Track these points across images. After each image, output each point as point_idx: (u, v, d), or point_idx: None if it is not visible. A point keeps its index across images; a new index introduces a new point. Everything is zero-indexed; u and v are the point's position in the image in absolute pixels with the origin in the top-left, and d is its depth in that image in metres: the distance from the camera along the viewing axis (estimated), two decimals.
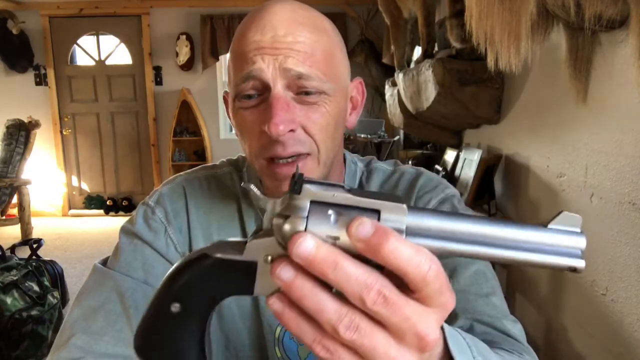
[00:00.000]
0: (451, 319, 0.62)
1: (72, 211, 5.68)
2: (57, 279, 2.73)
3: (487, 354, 0.46)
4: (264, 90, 0.59)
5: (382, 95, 4.06)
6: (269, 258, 0.32)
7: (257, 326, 0.71)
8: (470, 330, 0.60)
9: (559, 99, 1.84)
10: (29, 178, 4.44)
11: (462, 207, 0.73)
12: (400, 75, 3.09)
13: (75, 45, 5.47)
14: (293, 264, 0.30)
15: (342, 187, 0.32)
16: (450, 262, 0.65)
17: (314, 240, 0.30)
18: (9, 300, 2.25)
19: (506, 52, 1.51)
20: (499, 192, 2.50)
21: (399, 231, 0.31)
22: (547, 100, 1.97)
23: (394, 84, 3.41)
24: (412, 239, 0.31)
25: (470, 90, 2.40)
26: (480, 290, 0.64)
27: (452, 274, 0.64)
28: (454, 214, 0.33)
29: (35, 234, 4.38)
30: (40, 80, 5.41)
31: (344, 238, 0.30)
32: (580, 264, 0.32)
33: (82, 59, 5.61)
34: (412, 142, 4.24)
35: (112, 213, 5.61)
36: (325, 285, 0.30)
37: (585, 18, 1.31)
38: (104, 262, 0.71)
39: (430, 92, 2.55)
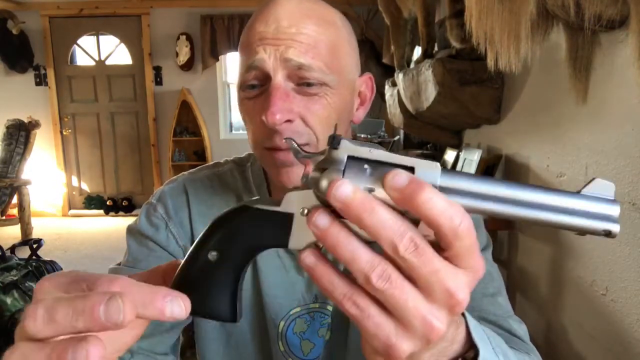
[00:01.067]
0: None
1: (72, 211, 5.68)
2: None
3: (504, 348, 0.46)
4: (266, 80, 0.60)
5: (382, 95, 4.05)
6: (306, 210, 0.33)
7: (259, 321, 0.72)
8: None
9: (559, 99, 1.84)
10: (29, 178, 4.44)
11: None
12: (400, 75, 3.09)
13: (75, 45, 5.47)
14: (329, 213, 0.31)
15: (379, 146, 0.33)
16: None
17: (351, 185, 0.30)
18: (9, 300, 2.25)
19: (506, 52, 1.51)
20: None
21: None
22: (547, 100, 1.97)
23: (394, 84, 3.41)
24: (445, 195, 0.31)
25: (470, 90, 2.40)
26: (486, 289, 0.64)
27: None
28: (486, 177, 0.33)
29: (35, 234, 4.38)
30: (40, 81, 5.41)
31: (379, 191, 0.31)
32: (615, 227, 0.32)
33: (82, 59, 5.61)
34: (412, 142, 4.24)
35: (112, 213, 5.61)
36: (360, 239, 0.31)
37: (585, 18, 1.31)
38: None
39: (430, 92, 2.55)
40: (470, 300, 0.61)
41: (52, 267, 2.75)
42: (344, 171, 0.32)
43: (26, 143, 4.34)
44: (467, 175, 0.33)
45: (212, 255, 0.34)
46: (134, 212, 5.57)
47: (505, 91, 2.43)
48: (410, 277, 0.30)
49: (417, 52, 3.23)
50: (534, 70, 2.06)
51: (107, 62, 5.53)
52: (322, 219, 0.31)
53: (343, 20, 0.66)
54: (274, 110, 0.57)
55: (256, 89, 0.61)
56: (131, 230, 0.73)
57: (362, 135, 4.64)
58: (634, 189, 1.41)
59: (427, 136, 3.36)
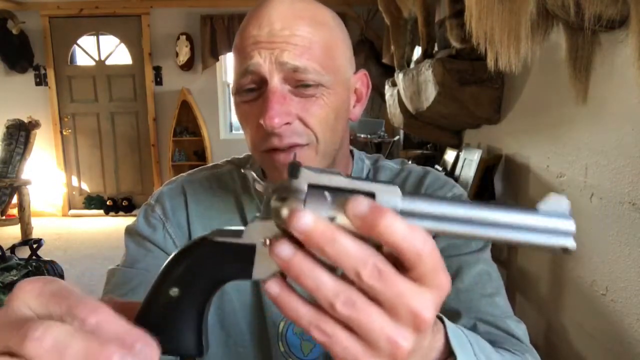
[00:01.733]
0: (454, 318, 0.62)
1: (72, 211, 5.68)
2: None
3: (489, 352, 0.46)
4: (262, 84, 0.60)
5: (382, 95, 4.05)
6: (268, 241, 0.33)
7: (259, 321, 0.72)
8: (473, 329, 0.60)
9: (559, 99, 1.84)
10: (29, 178, 4.44)
11: None
12: (400, 75, 3.09)
13: (75, 45, 5.47)
14: (291, 243, 0.31)
15: (339, 173, 0.33)
16: (455, 262, 0.65)
17: (312, 216, 0.30)
18: None
19: (506, 52, 1.51)
20: (499, 192, 2.50)
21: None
22: (547, 100, 1.97)
23: (394, 84, 3.41)
24: (406, 219, 0.32)
25: (470, 90, 2.40)
26: (484, 290, 0.64)
27: (456, 273, 0.64)
28: (446, 198, 0.34)
29: (35, 234, 4.38)
30: (40, 81, 5.41)
31: (340, 218, 0.31)
32: (571, 243, 0.33)
33: (82, 59, 5.61)
34: (412, 142, 4.24)
35: (112, 213, 5.61)
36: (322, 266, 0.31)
37: (585, 18, 1.31)
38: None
39: (430, 92, 2.55)
40: (468, 302, 0.62)
41: (52, 267, 2.75)
42: (305, 200, 0.32)
43: (26, 143, 4.34)
44: (428, 197, 0.33)
45: (174, 291, 0.34)
46: (134, 212, 5.57)
47: (505, 91, 2.43)
48: (375, 299, 0.31)
49: (417, 52, 3.23)
50: (534, 70, 2.06)
51: (107, 62, 5.54)
52: (284, 250, 0.31)
53: (335, 18, 0.66)
54: (272, 115, 0.57)
55: (253, 93, 0.61)
56: (129, 231, 0.73)
57: (362, 135, 4.64)
58: (634, 189, 1.41)
59: (427, 136, 3.36)
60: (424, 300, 0.31)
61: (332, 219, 0.32)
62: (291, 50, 0.58)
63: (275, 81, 0.59)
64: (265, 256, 0.33)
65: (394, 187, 0.32)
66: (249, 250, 0.33)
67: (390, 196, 0.32)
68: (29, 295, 0.30)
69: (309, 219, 0.30)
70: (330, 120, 0.62)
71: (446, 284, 0.32)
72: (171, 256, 0.35)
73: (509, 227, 0.33)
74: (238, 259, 0.34)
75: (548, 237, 0.33)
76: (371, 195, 0.32)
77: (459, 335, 0.42)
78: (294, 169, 0.32)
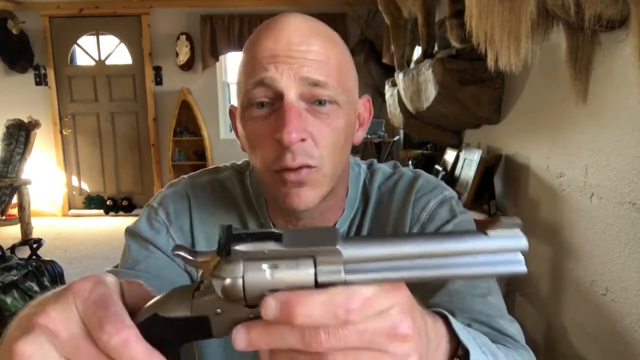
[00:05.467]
0: None
1: (72, 211, 5.68)
2: (57, 279, 2.73)
3: (491, 347, 0.47)
4: (276, 99, 0.59)
5: (382, 95, 4.05)
6: (218, 310, 0.33)
7: None
8: None
9: (559, 99, 1.84)
10: (29, 178, 4.44)
11: (460, 209, 0.73)
12: (400, 75, 3.09)
13: (75, 45, 5.47)
14: (245, 331, 0.32)
15: (274, 234, 0.32)
16: None
17: (245, 334, 0.32)
18: (9, 300, 2.25)
19: (506, 52, 1.51)
20: (499, 192, 2.50)
21: (337, 272, 0.31)
22: (547, 100, 1.97)
23: (394, 84, 3.41)
24: (351, 275, 0.32)
25: (470, 90, 2.40)
26: (476, 290, 0.64)
27: None
28: (390, 237, 0.33)
29: (35, 234, 4.38)
30: (40, 80, 5.41)
31: (283, 289, 0.32)
32: (522, 268, 0.33)
33: (82, 59, 5.61)
34: (412, 142, 4.24)
35: (112, 213, 5.61)
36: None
37: (585, 18, 1.31)
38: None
39: (430, 92, 2.55)
40: (461, 302, 0.62)
41: (52, 267, 2.75)
42: (243, 279, 0.32)
43: (26, 143, 4.34)
44: (370, 241, 0.33)
45: None
46: (134, 212, 5.58)
47: (505, 91, 2.43)
48: (353, 349, 0.31)
49: (417, 52, 3.23)
50: (534, 70, 2.06)
51: (107, 62, 5.53)
52: (241, 339, 0.32)
53: (343, 42, 0.67)
54: (290, 129, 0.55)
55: (264, 108, 0.59)
56: (130, 232, 0.73)
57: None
58: (634, 189, 1.41)
59: (427, 136, 3.36)
60: (390, 320, 0.32)
61: (274, 291, 0.32)
62: (310, 65, 0.58)
63: (292, 96, 0.58)
64: (220, 320, 0.34)
65: (334, 247, 0.31)
66: (203, 320, 0.34)
67: (330, 257, 0.31)
68: (78, 297, 0.33)
69: (243, 340, 0.31)
70: (340, 142, 0.62)
71: (400, 295, 0.33)
72: None
73: (456, 264, 0.32)
74: (194, 326, 0.34)
75: (500, 267, 0.33)
76: (312, 258, 0.32)
77: (462, 328, 0.43)
78: (225, 246, 0.32)
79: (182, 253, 0.34)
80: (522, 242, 0.33)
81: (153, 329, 0.34)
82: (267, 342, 0.31)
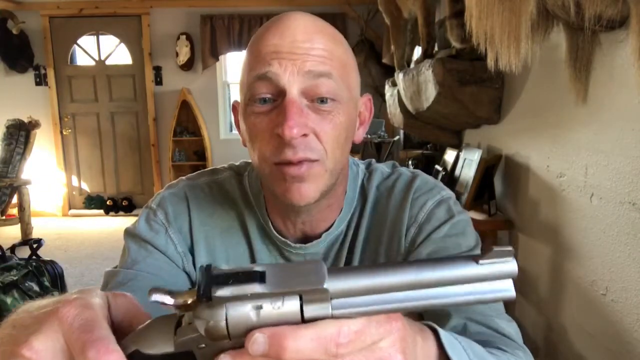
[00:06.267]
0: (445, 319, 0.62)
1: (72, 211, 5.68)
2: (57, 279, 2.73)
3: (484, 356, 0.46)
4: (278, 95, 0.59)
5: (382, 95, 4.05)
6: (202, 346, 0.33)
7: None
8: (464, 329, 0.61)
9: (559, 99, 1.84)
10: (29, 178, 4.44)
11: (458, 209, 0.73)
12: (400, 75, 3.09)
13: (75, 45, 5.47)
14: (229, 358, 0.31)
15: (256, 274, 0.31)
16: None
17: None
18: (9, 300, 2.25)
19: (506, 52, 1.51)
20: (499, 192, 2.50)
21: (324, 308, 0.31)
22: (547, 100, 1.97)
23: (394, 84, 3.41)
24: (338, 310, 0.31)
25: (470, 90, 2.40)
26: None
27: None
28: (378, 267, 0.33)
29: (35, 234, 4.38)
30: (40, 80, 5.41)
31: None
32: (511, 294, 0.33)
33: (82, 59, 5.61)
34: (412, 142, 4.24)
35: (112, 213, 5.61)
36: None
37: (585, 18, 1.31)
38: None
39: (430, 92, 2.55)
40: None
41: (52, 267, 2.75)
42: (226, 323, 0.30)
43: (26, 143, 4.34)
44: (356, 271, 0.32)
45: None
46: (134, 212, 5.58)
47: (505, 91, 2.43)
48: None
49: (417, 52, 3.23)
50: (534, 70, 2.06)
51: (107, 62, 5.54)
52: None
53: (347, 43, 0.68)
54: (291, 124, 0.56)
55: (266, 104, 0.60)
56: (130, 233, 0.73)
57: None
58: (634, 189, 1.41)
59: (427, 136, 3.36)
60: (379, 353, 0.32)
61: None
62: (312, 60, 0.59)
63: (294, 92, 0.58)
64: (204, 352, 0.33)
65: (320, 284, 0.31)
66: (186, 354, 0.33)
67: (317, 295, 0.31)
68: (63, 323, 0.32)
69: None
70: (341, 139, 0.63)
71: (392, 327, 0.32)
72: None
73: (444, 295, 0.32)
74: (178, 359, 0.33)
75: (489, 294, 0.33)
76: (299, 297, 0.31)
77: (452, 342, 0.43)
78: (205, 291, 0.31)
79: (159, 296, 0.32)
80: (513, 268, 0.32)
81: None
82: None
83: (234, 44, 5.22)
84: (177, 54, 5.30)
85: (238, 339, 0.31)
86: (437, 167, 3.06)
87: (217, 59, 5.28)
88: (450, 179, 2.76)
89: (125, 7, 5.27)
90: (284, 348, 0.29)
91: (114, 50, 5.52)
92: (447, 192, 0.74)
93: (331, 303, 0.31)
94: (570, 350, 1.81)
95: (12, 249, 2.75)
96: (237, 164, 0.81)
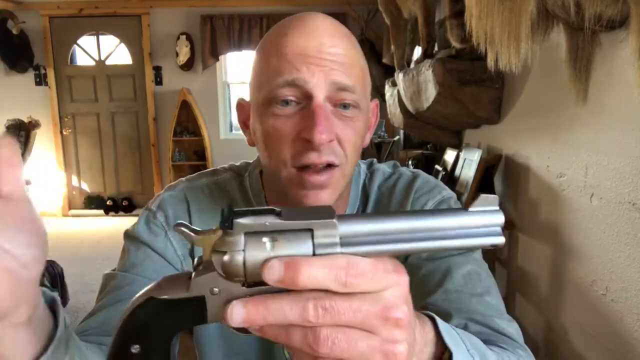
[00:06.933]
0: (445, 319, 0.62)
1: (72, 211, 5.68)
2: (57, 279, 2.73)
3: (482, 349, 0.47)
4: (303, 99, 0.59)
5: (382, 95, 4.05)
6: (215, 290, 0.34)
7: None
8: (464, 329, 0.60)
9: (559, 99, 1.84)
10: (29, 178, 4.44)
11: None
12: (400, 75, 3.09)
13: (75, 45, 5.47)
14: (241, 305, 0.32)
15: (273, 211, 0.33)
16: (444, 263, 0.65)
17: (242, 307, 0.32)
18: None
19: (506, 52, 1.51)
20: (499, 192, 2.50)
21: (333, 244, 0.33)
22: (547, 100, 1.97)
23: (394, 84, 3.41)
24: (346, 248, 0.33)
25: (470, 90, 2.40)
26: (474, 289, 0.64)
27: (445, 274, 0.65)
28: (382, 215, 0.35)
29: None
30: (40, 80, 5.41)
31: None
32: (500, 240, 0.36)
33: (82, 59, 5.61)
34: (412, 142, 4.24)
35: (112, 213, 5.61)
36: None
37: (585, 18, 1.31)
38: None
39: (430, 92, 2.55)
40: (459, 302, 0.62)
41: (52, 266, 2.75)
42: (244, 251, 0.32)
43: (26, 143, 4.35)
44: (363, 218, 0.35)
45: (135, 348, 0.35)
46: (134, 212, 5.58)
47: (505, 91, 2.43)
48: (342, 326, 0.32)
49: (417, 52, 3.23)
50: (534, 70, 2.06)
51: (107, 62, 5.53)
52: (237, 313, 0.32)
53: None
54: (321, 130, 0.56)
55: (289, 106, 0.60)
56: (129, 235, 0.72)
57: None
58: (634, 189, 1.41)
59: (427, 136, 3.36)
60: (385, 303, 0.32)
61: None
62: (339, 68, 0.59)
63: (322, 98, 0.59)
64: (216, 303, 0.34)
65: (331, 220, 0.33)
66: (200, 301, 0.34)
67: (327, 229, 0.33)
68: None
69: (240, 312, 0.32)
70: (358, 144, 0.64)
71: (399, 279, 0.34)
72: (123, 313, 0.36)
73: (441, 236, 0.35)
74: (189, 309, 0.35)
75: (479, 239, 0.36)
76: (309, 230, 0.33)
77: (450, 331, 0.43)
78: (227, 219, 0.33)
79: (183, 229, 0.34)
80: (499, 216, 0.36)
81: (148, 313, 0.34)
82: (263, 317, 0.32)
83: (234, 44, 5.22)
84: (177, 54, 5.30)
85: (252, 278, 0.32)
86: (437, 167, 3.06)
87: (217, 59, 5.28)
88: (450, 179, 2.76)
89: (125, 7, 5.27)
90: (300, 273, 0.31)
91: (114, 50, 5.52)
92: (448, 192, 0.74)
93: (339, 241, 0.33)
94: (570, 350, 1.81)
95: None
96: (237, 164, 0.80)
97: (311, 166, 0.59)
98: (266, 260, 0.32)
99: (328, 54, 0.59)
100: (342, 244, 0.33)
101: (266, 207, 0.33)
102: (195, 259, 0.35)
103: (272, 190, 0.71)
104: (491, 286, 0.66)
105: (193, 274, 0.34)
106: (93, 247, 4.35)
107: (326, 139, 0.57)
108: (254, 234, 0.32)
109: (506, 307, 0.67)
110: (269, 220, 0.33)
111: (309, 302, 0.32)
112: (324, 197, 0.61)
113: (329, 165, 0.60)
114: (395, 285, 0.33)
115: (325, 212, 0.33)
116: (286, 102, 0.60)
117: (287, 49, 0.59)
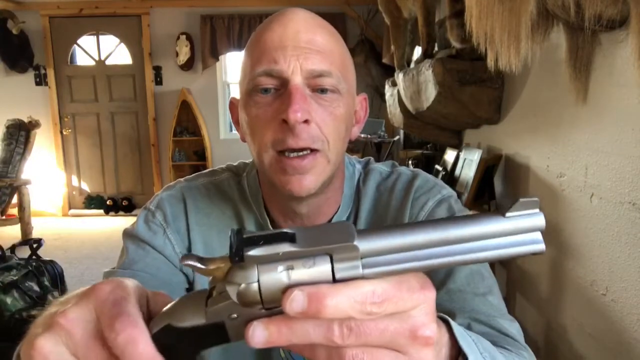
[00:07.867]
0: None
1: (72, 211, 5.68)
2: (57, 279, 2.73)
3: (492, 352, 0.47)
4: (281, 86, 0.61)
5: (382, 95, 4.06)
6: (234, 315, 0.33)
7: None
8: (468, 329, 0.60)
9: (559, 99, 1.84)
10: (29, 178, 4.44)
11: (459, 207, 0.73)
12: (400, 75, 3.09)
13: (75, 45, 5.47)
14: (263, 326, 0.31)
15: (287, 235, 0.31)
16: None
17: (262, 329, 0.31)
18: (9, 300, 2.25)
19: (506, 52, 1.51)
20: (499, 192, 2.50)
21: (355, 267, 0.30)
22: (547, 100, 1.97)
23: (394, 84, 3.41)
24: (369, 269, 0.31)
25: (470, 90, 2.40)
26: (477, 289, 0.64)
27: (448, 273, 0.65)
28: (408, 226, 0.32)
29: (35, 234, 4.38)
30: (40, 80, 5.41)
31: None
32: (541, 247, 0.32)
33: (82, 59, 5.61)
34: (412, 142, 4.24)
35: (112, 213, 5.61)
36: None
37: (585, 18, 1.31)
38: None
39: (430, 92, 2.55)
40: (462, 302, 0.62)
41: (52, 267, 2.75)
42: (258, 282, 0.30)
43: (26, 143, 4.34)
44: (386, 231, 0.32)
45: None
46: (134, 212, 5.57)
47: (505, 91, 2.43)
48: (371, 347, 0.31)
49: (417, 52, 3.23)
50: (534, 70, 2.06)
51: (107, 62, 5.54)
52: (260, 334, 0.31)
53: (343, 41, 0.70)
54: (296, 108, 0.58)
55: (268, 94, 0.62)
56: (128, 234, 0.73)
57: (362, 135, 4.64)
58: (634, 189, 1.41)
59: (427, 136, 3.36)
60: (413, 320, 0.31)
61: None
62: (314, 56, 0.60)
63: (298, 80, 0.60)
64: (236, 326, 0.33)
65: (350, 243, 0.30)
66: (219, 326, 0.33)
67: (347, 253, 0.30)
68: (97, 297, 0.34)
69: (261, 335, 0.30)
70: (342, 131, 0.64)
71: (425, 296, 0.32)
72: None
73: (474, 249, 0.31)
74: (209, 333, 0.34)
75: (519, 248, 0.32)
76: (328, 254, 0.30)
77: (463, 334, 0.42)
78: (237, 252, 0.30)
79: (191, 262, 0.32)
80: (540, 221, 0.32)
81: (167, 339, 0.33)
82: (287, 338, 0.30)
83: (234, 44, 5.22)
84: (177, 54, 5.30)
85: (270, 304, 0.31)
86: (437, 167, 3.06)
87: (217, 59, 5.28)
88: (450, 179, 2.76)
89: (125, 7, 5.27)
90: (325, 305, 0.29)
91: (114, 50, 5.52)
92: (448, 191, 0.74)
93: (361, 262, 0.31)
94: (570, 350, 1.81)
95: (12, 249, 2.75)
96: (235, 164, 0.81)
97: (291, 152, 0.60)
98: (286, 290, 0.30)
99: (304, 42, 0.60)
100: (364, 265, 0.30)
101: (278, 231, 0.31)
102: (208, 284, 0.34)
103: (266, 187, 0.72)
104: (493, 286, 0.66)
105: (207, 302, 0.33)
106: (93, 247, 4.35)
107: (301, 117, 0.58)
108: (267, 262, 0.30)
109: (506, 307, 0.67)
110: (283, 249, 0.30)
111: (334, 322, 0.30)
112: (307, 183, 0.61)
113: (312, 151, 0.61)
114: (423, 303, 0.32)
115: (344, 232, 0.31)
116: (266, 90, 0.61)
117: (266, 41, 0.61)
